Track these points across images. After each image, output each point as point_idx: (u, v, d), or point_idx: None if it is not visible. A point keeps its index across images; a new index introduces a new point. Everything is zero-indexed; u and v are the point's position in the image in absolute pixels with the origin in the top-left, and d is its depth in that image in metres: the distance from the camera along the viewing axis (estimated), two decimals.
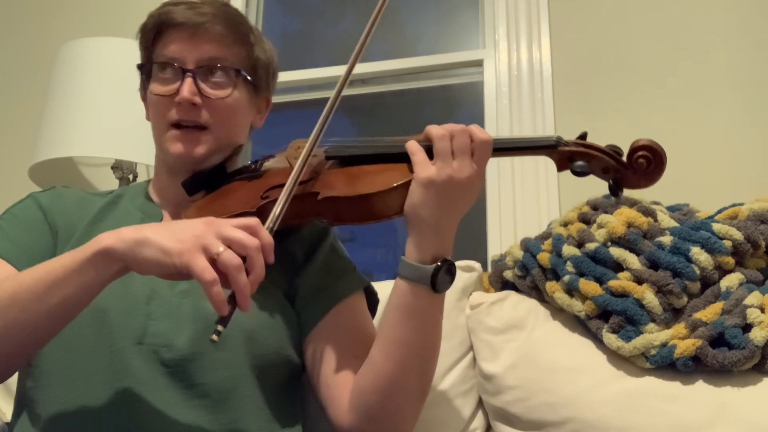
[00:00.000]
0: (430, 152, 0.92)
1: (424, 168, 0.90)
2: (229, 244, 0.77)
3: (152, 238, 0.79)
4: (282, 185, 0.98)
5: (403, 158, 0.94)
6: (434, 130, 0.92)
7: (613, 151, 0.92)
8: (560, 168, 0.94)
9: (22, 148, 2.04)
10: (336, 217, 0.96)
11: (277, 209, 0.88)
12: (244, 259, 0.78)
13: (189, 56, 1.05)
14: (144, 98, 1.14)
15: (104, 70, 1.76)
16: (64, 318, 0.85)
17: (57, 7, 2.38)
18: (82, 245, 0.83)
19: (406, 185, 0.91)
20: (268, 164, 1.09)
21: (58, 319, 0.84)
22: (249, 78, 1.10)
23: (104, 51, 1.78)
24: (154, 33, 1.09)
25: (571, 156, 0.93)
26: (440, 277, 0.91)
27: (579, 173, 0.92)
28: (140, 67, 1.11)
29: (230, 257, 0.76)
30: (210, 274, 0.75)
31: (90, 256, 0.81)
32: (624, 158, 0.91)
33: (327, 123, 0.96)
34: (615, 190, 0.92)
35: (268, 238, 0.81)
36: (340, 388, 0.99)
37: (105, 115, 1.72)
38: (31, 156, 1.78)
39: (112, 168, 1.82)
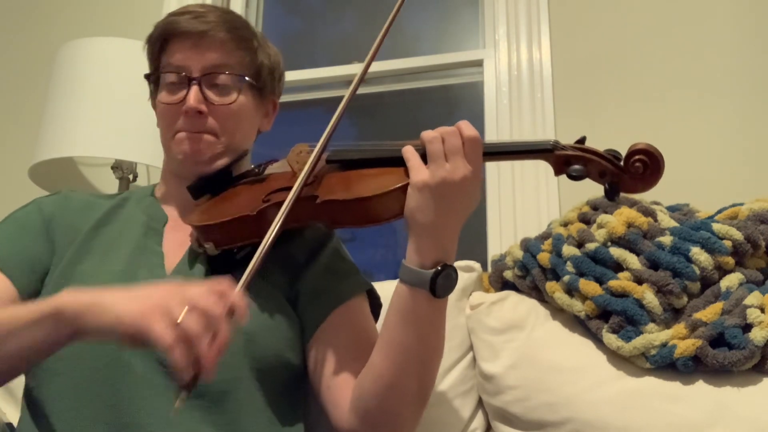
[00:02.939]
0: (425, 157, 0.92)
1: (418, 172, 0.90)
2: (193, 309, 0.74)
3: (108, 303, 0.77)
4: (283, 189, 0.99)
5: (402, 162, 0.94)
6: (426, 134, 0.93)
7: (611, 156, 0.91)
8: (557, 172, 0.94)
9: (22, 148, 2.04)
10: (334, 219, 0.97)
11: (280, 214, 0.89)
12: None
13: (194, 64, 1.06)
14: (155, 107, 1.15)
15: (104, 70, 1.76)
16: (18, 368, 0.84)
17: (57, 7, 2.38)
18: (47, 299, 0.81)
19: (403, 189, 0.92)
20: (271, 168, 1.10)
21: (12, 369, 0.84)
22: (254, 83, 1.11)
23: (104, 51, 1.78)
24: (160, 43, 1.10)
25: (568, 160, 0.92)
26: (440, 282, 0.90)
27: (575, 177, 0.91)
28: (147, 76, 1.12)
29: (191, 324, 0.72)
30: (168, 338, 0.71)
31: (45, 313, 0.80)
32: (621, 162, 0.91)
33: (332, 132, 0.97)
34: (611, 194, 0.91)
35: (239, 300, 0.77)
36: (341, 390, 0.99)
37: (105, 115, 1.72)
38: (31, 156, 1.78)
39: (112, 168, 1.82)
